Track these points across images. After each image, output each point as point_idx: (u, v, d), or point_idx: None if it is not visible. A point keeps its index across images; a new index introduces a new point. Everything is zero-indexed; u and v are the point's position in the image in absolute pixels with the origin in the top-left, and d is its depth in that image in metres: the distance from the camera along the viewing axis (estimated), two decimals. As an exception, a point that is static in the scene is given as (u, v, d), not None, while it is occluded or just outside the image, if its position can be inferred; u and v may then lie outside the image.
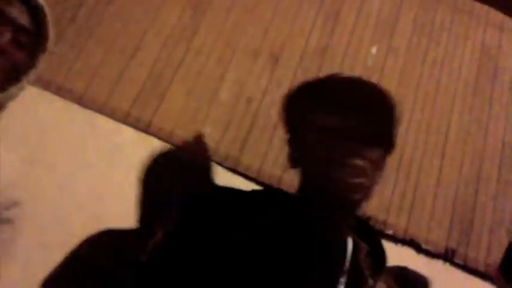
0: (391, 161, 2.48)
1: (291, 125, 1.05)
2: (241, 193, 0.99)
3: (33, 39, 1.18)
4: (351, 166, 0.87)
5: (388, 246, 2.27)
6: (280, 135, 2.38)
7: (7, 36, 1.11)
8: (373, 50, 2.73)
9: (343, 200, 0.88)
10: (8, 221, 1.26)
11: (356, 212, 0.97)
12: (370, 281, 0.92)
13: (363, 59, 2.69)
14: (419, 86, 2.70)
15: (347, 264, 0.89)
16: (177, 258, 0.86)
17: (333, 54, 2.65)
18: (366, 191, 0.96)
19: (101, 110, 2.22)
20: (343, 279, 0.87)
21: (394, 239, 2.29)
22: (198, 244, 0.85)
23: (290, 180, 2.32)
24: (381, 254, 1.01)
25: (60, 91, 2.19)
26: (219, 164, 2.21)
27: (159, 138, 2.21)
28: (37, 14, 1.18)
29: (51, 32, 1.22)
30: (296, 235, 0.88)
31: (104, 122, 2.16)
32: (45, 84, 2.17)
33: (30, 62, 1.19)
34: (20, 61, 1.16)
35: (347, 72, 2.63)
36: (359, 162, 0.89)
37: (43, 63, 1.22)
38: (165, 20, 2.47)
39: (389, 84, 2.66)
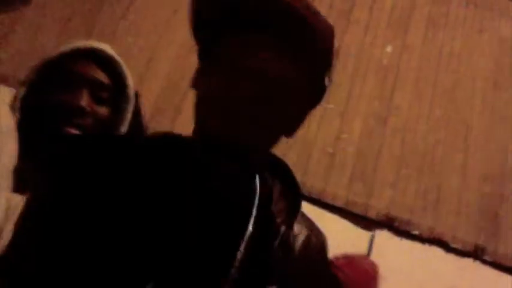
0: (413, 159, 2.44)
1: (200, 38, 0.88)
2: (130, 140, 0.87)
3: (113, 92, 1.16)
4: (270, 114, 0.72)
5: (415, 246, 2.24)
6: (298, 138, 2.36)
7: (86, 96, 1.10)
8: (388, 48, 2.70)
9: (243, 143, 0.73)
10: None
11: (264, 149, 0.81)
12: (283, 228, 0.78)
13: (377, 59, 2.66)
14: (437, 82, 2.66)
15: (253, 212, 0.74)
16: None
17: (346, 54, 2.63)
18: (276, 136, 0.80)
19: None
20: (247, 233, 0.72)
21: (421, 239, 2.25)
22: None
23: (311, 183, 2.30)
24: (296, 195, 0.85)
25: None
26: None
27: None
28: (112, 66, 1.16)
29: (130, 80, 1.20)
30: (191, 183, 0.74)
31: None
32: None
33: (116, 114, 1.17)
34: (105, 116, 1.14)
35: (362, 72, 2.60)
36: (280, 110, 0.74)
37: (130, 111, 1.18)
38: (176, 32, 2.48)
39: (406, 82, 2.63)
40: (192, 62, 2.54)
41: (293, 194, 0.85)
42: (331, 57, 0.81)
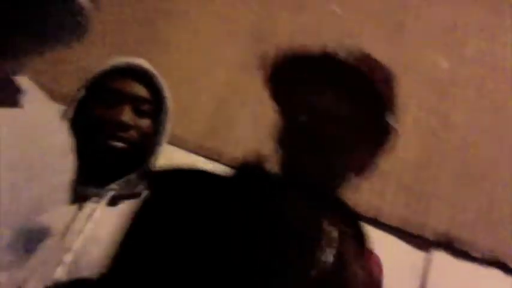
0: (473, 176, 2.36)
1: (278, 100, 0.96)
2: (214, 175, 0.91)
3: (153, 105, 1.24)
4: (338, 154, 0.79)
5: (474, 267, 2.15)
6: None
7: (127, 111, 1.17)
8: (442, 61, 2.63)
9: (326, 187, 0.80)
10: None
11: (340, 198, 0.88)
12: (355, 270, 0.82)
13: (432, 72, 2.60)
14: (496, 94, 2.57)
15: (335, 242, 0.78)
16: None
17: (399, 69, 2.56)
18: (350, 180, 0.87)
19: (172, 141, 2.27)
20: (331, 254, 0.75)
21: (480, 260, 2.16)
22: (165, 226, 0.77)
23: (366, 201, 2.26)
24: (361, 237, 0.90)
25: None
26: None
27: (230, 166, 2.23)
28: (149, 80, 1.23)
29: (167, 92, 1.26)
30: (271, 222, 0.78)
31: (176, 153, 2.21)
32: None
33: (157, 126, 1.24)
34: (147, 128, 1.22)
35: (417, 86, 2.55)
36: (348, 150, 0.81)
37: (169, 121, 1.25)
38: (229, 50, 2.52)
39: (464, 97, 2.55)
40: (242, 79, 2.59)
41: (358, 234, 0.90)
42: (391, 100, 0.87)
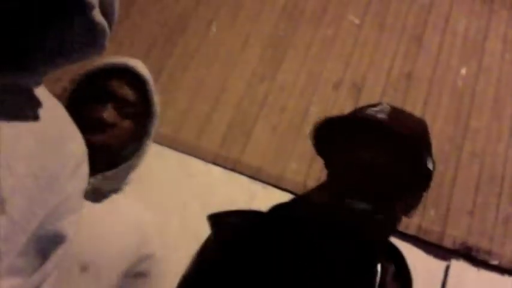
0: (491, 184, 2.34)
1: (325, 157, 1.04)
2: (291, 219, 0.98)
3: (139, 108, 1.25)
4: (376, 202, 0.86)
5: (493, 277, 2.13)
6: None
7: (110, 110, 1.19)
8: (463, 71, 2.63)
9: (371, 232, 0.88)
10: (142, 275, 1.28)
11: (384, 237, 0.96)
12: None
13: (451, 82, 2.59)
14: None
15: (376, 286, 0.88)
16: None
17: (418, 79, 2.58)
18: (395, 224, 0.96)
19: (191, 152, 2.32)
20: None
21: (500, 269, 2.14)
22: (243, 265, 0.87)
23: (406, 220, 2.26)
24: (407, 277, 0.97)
25: (154, 137, 2.32)
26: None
27: (247, 175, 2.25)
28: (139, 83, 1.25)
29: (156, 97, 1.27)
30: (330, 260, 0.89)
31: (195, 163, 2.25)
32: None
33: (141, 129, 1.25)
34: (127, 130, 1.23)
35: (435, 96, 2.55)
36: (386, 199, 0.88)
37: (154, 126, 1.27)
38: (247, 61, 2.56)
39: (483, 104, 2.54)
40: (261, 90, 2.62)
41: (404, 276, 0.98)
42: (428, 146, 0.95)
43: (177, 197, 2.16)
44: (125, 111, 1.22)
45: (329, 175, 0.98)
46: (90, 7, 0.64)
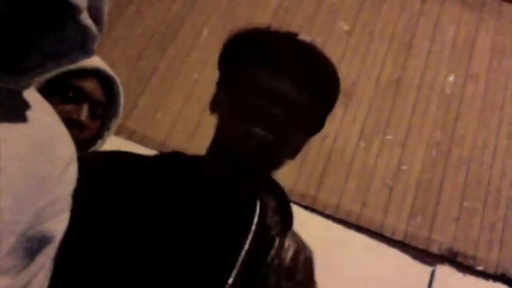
0: (477, 191, 2.37)
1: (225, 66, 0.97)
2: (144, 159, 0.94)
3: (107, 108, 1.28)
4: (268, 132, 0.80)
5: (479, 282, 2.16)
6: (356, 170, 2.37)
7: (85, 111, 1.21)
8: (451, 78, 2.66)
9: (253, 162, 0.82)
10: None
11: (266, 171, 0.90)
12: (277, 240, 0.87)
13: (440, 88, 2.63)
14: (504, 111, 2.59)
15: (253, 225, 0.85)
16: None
17: (407, 86, 2.62)
18: (281, 161, 0.88)
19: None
20: (248, 240, 0.82)
21: (485, 275, 2.17)
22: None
23: (371, 216, 2.29)
24: (288, 212, 0.93)
25: (143, 140, 2.34)
26: (296, 203, 2.23)
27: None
28: (109, 85, 1.28)
29: (122, 99, 1.30)
30: (200, 198, 0.85)
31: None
32: (129, 134, 2.33)
33: (105, 127, 1.29)
34: (95, 131, 1.26)
35: (424, 102, 2.58)
36: (279, 132, 0.82)
37: (115, 126, 1.31)
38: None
39: (470, 111, 2.58)
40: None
41: (285, 210, 0.93)
42: (337, 95, 0.91)
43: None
44: (96, 112, 1.25)
45: (225, 97, 0.92)
46: (78, 11, 0.66)
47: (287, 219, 0.92)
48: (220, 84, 0.95)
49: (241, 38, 0.91)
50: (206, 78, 2.54)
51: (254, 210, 0.86)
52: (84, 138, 1.22)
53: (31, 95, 0.72)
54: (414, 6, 2.81)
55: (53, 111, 0.75)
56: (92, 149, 1.28)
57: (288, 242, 0.90)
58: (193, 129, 2.41)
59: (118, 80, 1.29)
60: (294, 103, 0.83)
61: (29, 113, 0.69)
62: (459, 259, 2.20)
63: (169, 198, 0.84)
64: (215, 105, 0.93)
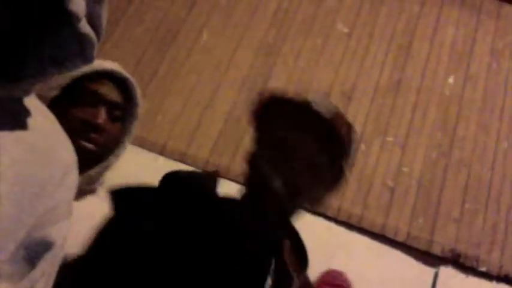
0: (479, 192, 2.37)
1: (256, 128, 1.13)
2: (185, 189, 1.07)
3: (125, 111, 1.28)
4: (293, 179, 0.94)
5: (482, 283, 2.15)
6: (357, 172, 2.36)
7: (103, 114, 1.21)
8: (450, 79, 2.66)
9: (277, 206, 0.95)
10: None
11: (286, 215, 1.03)
12: (296, 279, 0.95)
13: (439, 90, 2.63)
14: (504, 112, 2.59)
15: (273, 263, 0.95)
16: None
17: (407, 87, 2.61)
18: (300, 201, 1.01)
19: (182, 159, 2.32)
20: (269, 279, 0.92)
21: (488, 276, 2.16)
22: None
23: (372, 218, 2.28)
24: (303, 251, 1.05)
25: (144, 144, 2.33)
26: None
27: (237, 183, 2.26)
28: (126, 87, 1.27)
29: (140, 100, 1.31)
30: (228, 236, 0.96)
31: (185, 169, 2.25)
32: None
33: (125, 130, 1.28)
34: (116, 133, 1.26)
35: (423, 104, 2.58)
36: (300, 179, 0.95)
37: (135, 128, 1.31)
38: (237, 68, 2.57)
39: (470, 113, 2.57)
40: (252, 98, 2.62)
41: (300, 250, 1.05)
42: (349, 151, 1.02)
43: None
44: (115, 114, 1.24)
45: (255, 145, 1.06)
46: (76, 19, 0.65)
47: (303, 258, 1.03)
48: (253, 139, 1.11)
49: (268, 102, 1.07)
50: (205, 80, 2.54)
51: (275, 249, 0.96)
52: (105, 142, 1.22)
53: (31, 102, 0.72)
54: (413, 8, 2.81)
55: (53, 117, 0.75)
56: (115, 153, 1.26)
57: (303, 279, 1.00)
58: (192, 132, 2.40)
59: (134, 81, 1.28)
60: (315, 160, 0.95)
61: (29, 120, 0.69)
62: (462, 260, 2.19)
63: (204, 231, 0.94)
64: (250, 159, 1.07)
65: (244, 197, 1.02)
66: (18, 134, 0.66)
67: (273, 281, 0.92)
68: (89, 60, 0.70)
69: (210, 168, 2.30)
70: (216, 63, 2.58)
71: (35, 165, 0.67)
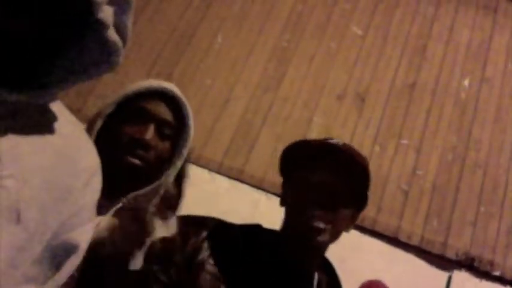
0: (494, 195, 2.35)
1: (285, 173, 1.26)
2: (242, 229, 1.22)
3: (176, 130, 1.28)
4: (322, 216, 1.08)
5: (495, 287, 2.13)
6: (371, 174, 2.35)
7: (151, 130, 1.22)
8: (465, 81, 2.65)
9: (313, 242, 1.08)
10: None
11: (322, 251, 1.16)
12: None
13: (454, 93, 2.61)
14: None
15: None
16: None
17: (422, 90, 2.60)
18: (332, 238, 1.13)
19: (196, 161, 2.34)
20: None
21: (502, 280, 2.14)
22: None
23: (386, 221, 2.27)
24: (338, 285, 1.19)
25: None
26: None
27: (251, 185, 2.28)
28: (178, 107, 1.28)
29: (191, 121, 1.30)
30: (275, 268, 1.10)
31: (199, 172, 2.27)
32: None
33: (175, 151, 1.29)
34: (165, 151, 1.26)
35: (438, 106, 2.57)
36: (330, 214, 1.09)
37: (187, 150, 1.32)
38: (251, 71, 2.59)
39: (486, 115, 2.56)
40: (266, 101, 2.64)
41: (337, 284, 1.19)
42: (369, 179, 1.18)
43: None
44: (165, 132, 1.25)
45: (289, 194, 1.20)
46: (106, 27, 0.68)
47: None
48: (284, 184, 1.25)
49: (292, 149, 1.21)
50: (219, 84, 2.56)
51: (313, 284, 1.11)
52: (154, 159, 1.22)
53: (56, 108, 0.74)
54: (428, 10, 2.80)
55: (79, 123, 0.77)
56: (166, 174, 1.28)
57: None
58: (207, 134, 2.42)
59: (186, 101, 1.29)
60: (338, 190, 1.10)
61: (54, 126, 0.71)
62: (476, 264, 2.18)
63: (256, 264, 1.11)
64: (283, 200, 1.22)
65: (289, 231, 1.16)
66: (44, 139, 0.68)
67: None
68: (114, 67, 0.72)
69: (225, 171, 2.31)
70: (231, 66, 2.60)
71: (60, 171, 0.68)
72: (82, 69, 0.70)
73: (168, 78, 2.58)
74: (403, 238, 2.23)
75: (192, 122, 1.30)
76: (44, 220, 0.65)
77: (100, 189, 0.76)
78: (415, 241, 2.23)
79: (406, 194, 2.33)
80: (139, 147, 1.18)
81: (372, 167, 2.40)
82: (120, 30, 0.71)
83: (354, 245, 2.20)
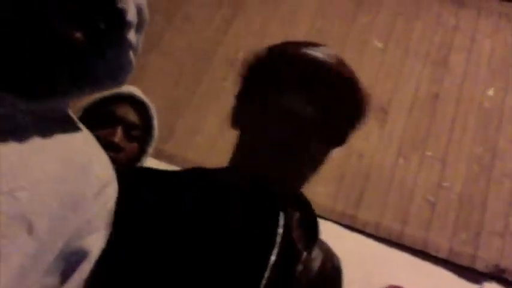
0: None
1: (248, 86, 0.94)
2: (173, 174, 0.92)
3: (142, 132, 1.35)
4: (294, 151, 0.81)
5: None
6: (396, 187, 2.34)
7: (120, 133, 1.28)
8: (490, 91, 2.62)
9: (273, 173, 0.81)
10: None
11: (291, 187, 0.88)
12: (304, 254, 0.85)
13: (479, 102, 2.59)
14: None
15: (278, 238, 0.82)
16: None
17: (445, 101, 2.59)
18: (303, 175, 0.86)
19: (177, 161, 2.35)
20: (274, 254, 0.80)
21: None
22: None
23: (413, 233, 2.25)
24: (313, 224, 0.91)
25: (184, 163, 2.38)
26: (336, 222, 2.22)
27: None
28: (143, 109, 1.36)
29: (156, 122, 1.39)
30: (225, 210, 0.83)
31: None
32: (170, 158, 2.37)
33: (142, 150, 1.36)
34: (134, 152, 1.33)
35: (463, 117, 2.55)
36: (304, 150, 0.81)
37: (152, 148, 1.38)
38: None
39: (511, 124, 2.52)
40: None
41: (310, 221, 0.91)
42: (361, 106, 0.89)
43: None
44: (132, 134, 1.31)
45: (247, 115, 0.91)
46: (130, 45, 0.71)
47: (313, 230, 0.91)
48: (240, 99, 0.94)
49: (262, 56, 0.91)
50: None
51: (277, 223, 0.84)
52: (123, 160, 1.29)
53: (68, 119, 0.76)
54: (449, 21, 2.79)
55: (90, 134, 0.80)
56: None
57: (315, 252, 0.89)
58: (230, 150, 2.44)
59: (150, 104, 1.36)
60: (305, 118, 0.81)
61: (66, 137, 0.73)
62: (506, 276, 2.14)
63: (194, 211, 0.83)
64: (236, 122, 0.94)
65: (237, 163, 0.90)
66: (55, 149, 0.69)
67: (278, 257, 0.81)
68: (122, 83, 0.75)
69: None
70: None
71: (72, 180, 0.69)
72: (95, 81, 0.73)
73: (191, 96, 2.63)
74: (431, 251, 2.21)
75: (156, 123, 1.38)
76: (55, 229, 0.66)
77: (115, 198, 0.77)
78: (443, 254, 2.21)
79: (432, 206, 2.31)
80: (109, 149, 1.23)
81: (397, 180, 2.40)
82: (134, 50, 0.75)
83: (381, 259, 2.19)
